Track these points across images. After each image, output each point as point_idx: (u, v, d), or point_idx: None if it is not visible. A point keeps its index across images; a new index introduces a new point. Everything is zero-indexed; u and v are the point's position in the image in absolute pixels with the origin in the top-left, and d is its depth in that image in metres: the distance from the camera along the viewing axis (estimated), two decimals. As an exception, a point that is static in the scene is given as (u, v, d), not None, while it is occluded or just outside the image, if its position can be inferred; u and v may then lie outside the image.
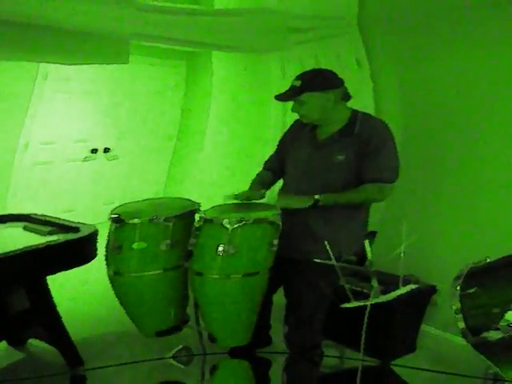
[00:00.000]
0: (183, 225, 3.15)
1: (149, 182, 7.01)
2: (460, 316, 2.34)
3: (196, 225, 3.02)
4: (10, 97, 5.48)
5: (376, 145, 3.07)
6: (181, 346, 3.34)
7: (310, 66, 4.71)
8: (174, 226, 3.11)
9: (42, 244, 3.36)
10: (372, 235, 3.75)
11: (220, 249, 2.85)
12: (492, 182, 3.80)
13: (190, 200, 3.40)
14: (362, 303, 2.47)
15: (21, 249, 3.25)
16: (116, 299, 3.27)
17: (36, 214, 3.98)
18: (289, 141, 3.42)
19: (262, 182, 3.42)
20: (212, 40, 4.77)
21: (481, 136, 3.83)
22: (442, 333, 3.78)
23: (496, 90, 3.78)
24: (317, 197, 3.01)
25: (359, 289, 3.12)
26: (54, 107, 5.90)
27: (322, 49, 4.87)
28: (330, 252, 2.51)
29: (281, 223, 2.96)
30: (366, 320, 2.44)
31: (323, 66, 4.70)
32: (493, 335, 2.29)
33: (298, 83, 3.13)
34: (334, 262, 2.50)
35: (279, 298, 3.34)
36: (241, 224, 2.84)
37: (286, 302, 3.28)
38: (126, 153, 6.79)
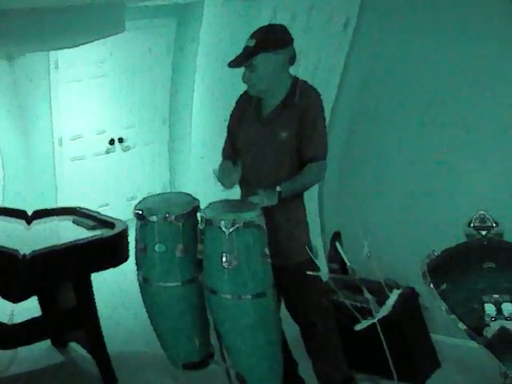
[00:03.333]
0: (190, 225, 3.00)
1: (155, 172, 6.82)
2: (454, 316, 2.29)
3: (200, 227, 2.89)
4: (30, 92, 5.59)
5: (312, 118, 2.95)
6: None
7: (301, 19, 4.58)
8: (183, 226, 2.97)
9: (92, 237, 3.51)
10: (338, 237, 3.73)
11: (224, 259, 2.72)
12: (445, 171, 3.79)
13: (190, 195, 3.22)
14: (370, 322, 2.44)
15: (71, 241, 3.41)
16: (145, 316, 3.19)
17: (81, 208, 4.10)
18: (236, 121, 3.18)
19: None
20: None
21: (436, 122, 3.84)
22: (452, 338, 3.60)
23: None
24: (278, 189, 2.87)
25: (358, 303, 2.97)
26: (71, 98, 5.87)
27: (317, 2, 4.62)
28: (314, 259, 2.57)
29: (265, 227, 2.80)
30: (385, 345, 2.41)
31: (313, 22, 4.52)
32: (488, 332, 2.25)
33: (253, 43, 2.90)
34: (325, 275, 2.56)
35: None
36: (234, 228, 2.69)
37: (296, 324, 3.16)
38: (136, 141, 6.59)
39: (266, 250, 2.80)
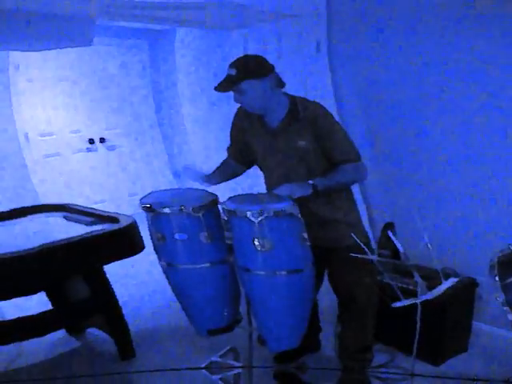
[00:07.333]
0: (212, 216, 2.92)
1: (155, 173, 6.83)
2: (507, 308, 2.27)
3: (225, 217, 2.81)
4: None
5: (325, 126, 2.93)
6: (228, 348, 3.20)
7: (271, 47, 4.76)
8: (203, 216, 2.86)
9: (99, 231, 3.36)
10: (392, 226, 3.72)
11: (256, 243, 2.65)
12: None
13: (206, 190, 3.13)
14: (412, 301, 2.39)
15: (77, 236, 3.26)
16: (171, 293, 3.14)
17: (72, 205, 3.95)
18: (240, 132, 3.21)
19: (225, 170, 3.28)
20: (178, 15, 4.65)
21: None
22: (495, 328, 3.55)
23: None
24: (310, 182, 2.85)
25: (404, 285, 2.92)
26: (34, 97, 5.84)
27: (285, 29, 4.72)
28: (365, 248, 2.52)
29: (299, 215, 2.70)
30: (418, 321, 2.37)
31: (285, 48, 4.65)
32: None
33: (233, 72, 2.89)
34: (374, 257, 2.49)
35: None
36: (263, 217, 2.59)
37: (338, 299, 3.20)
38: (121, 142, 6.64)
39: (304, 235, 2.73)
